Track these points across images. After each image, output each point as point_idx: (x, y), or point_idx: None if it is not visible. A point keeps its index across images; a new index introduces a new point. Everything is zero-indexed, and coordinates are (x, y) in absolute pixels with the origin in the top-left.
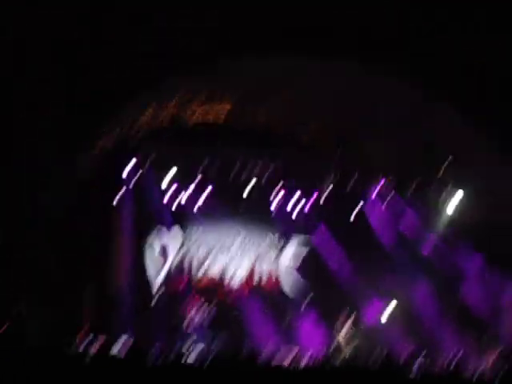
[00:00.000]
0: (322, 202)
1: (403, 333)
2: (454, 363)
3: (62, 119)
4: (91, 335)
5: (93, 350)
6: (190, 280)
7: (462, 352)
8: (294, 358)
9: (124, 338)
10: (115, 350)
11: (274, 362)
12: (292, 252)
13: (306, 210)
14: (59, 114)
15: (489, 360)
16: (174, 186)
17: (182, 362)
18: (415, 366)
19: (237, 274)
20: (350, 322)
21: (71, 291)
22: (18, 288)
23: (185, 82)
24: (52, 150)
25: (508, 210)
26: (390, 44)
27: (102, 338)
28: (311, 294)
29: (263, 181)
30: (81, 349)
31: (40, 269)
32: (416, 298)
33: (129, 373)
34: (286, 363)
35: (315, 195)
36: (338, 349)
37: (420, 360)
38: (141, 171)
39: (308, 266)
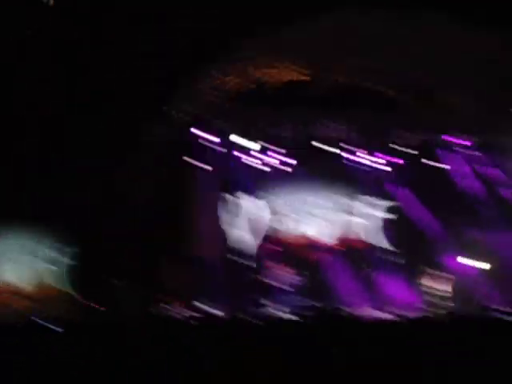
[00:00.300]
0: (404, 162)
1: (495, 289)
2: None
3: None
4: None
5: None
6: (279, 241)
7: None
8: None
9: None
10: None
11: (363, 319)
12: (377, 214)
13: (391, 171)
14: (137, 81)
15: None
16: (256, 150)
17: (273, 321)
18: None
19: (325, 235)
20: (439, 277)
21: (160, 259)
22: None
23: (263, 44)
24: (132, 118)
25: None
26: None
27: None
28: (401, 251)
29: (346, 142)
30: (176, 315)
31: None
32: (506, 253)
33: (226, 333)
34: (374, 320)
35: (397, 157)
36: (429, 304)
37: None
38: (222, 137)
39: (396, 225)
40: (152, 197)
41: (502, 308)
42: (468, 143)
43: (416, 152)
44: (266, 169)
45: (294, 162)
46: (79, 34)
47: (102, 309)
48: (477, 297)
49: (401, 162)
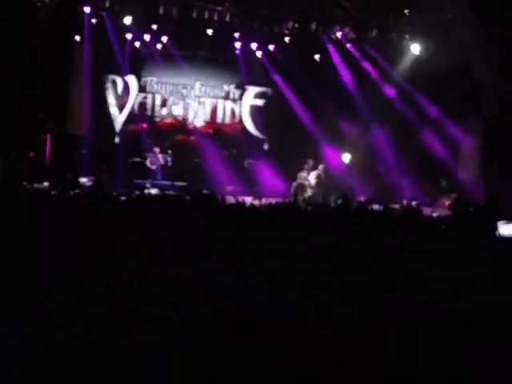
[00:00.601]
0: (280, 50)
1: (361, 180)
2: (410, 207)
3: None
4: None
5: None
6: (151, 119)
7: (418, 199)
8: (254, 201)
9: (88, 177)
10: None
11: (235, 202)
12: (250, 101)
13: (265, 60)
14: None
15: (444, 204)
16: (134, 28)
17: (146, 197)
18: (372, 209)
19: (197, 117)
20: (309, 166)
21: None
22: None
23: None
24: None
25: (463, 58)
26: None
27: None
28: (273, 139)
29: (222, 28)
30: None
31: None
32: (375, 144)
33: (96, 210)
34: (247, 203)
35: (273, 45)
36: (299, 191)
37: (376, 206)
38: (100, 9)
39: (269, 113)
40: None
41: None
42: (345, 37)
43: (292, 39)
44: (140, 48)
45: (167, 41)
46: None
47: None
48: (341, 187)
49: (275, 48)
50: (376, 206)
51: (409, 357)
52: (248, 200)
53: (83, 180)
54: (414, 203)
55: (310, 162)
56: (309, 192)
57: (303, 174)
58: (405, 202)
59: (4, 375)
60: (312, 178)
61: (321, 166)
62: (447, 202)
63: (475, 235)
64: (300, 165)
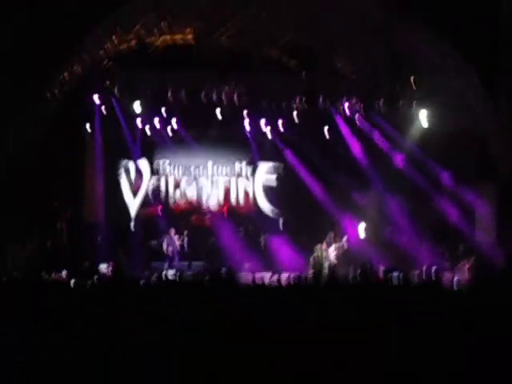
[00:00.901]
0: (289, 126)
1: (379, 249)
2: (429, 275)
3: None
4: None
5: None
6: (166, 202)
7: (437, 264)
8: (273, 276)
9: (105, 264)
10: (97, 276)
11: (253, 281)
12: (262, 178)
13: (275, 135)
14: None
15: (463, 270)
16: (143, 113)
17: (163, 282)
18: (391, 279)
19: (211, 198)
20: (331, 238)
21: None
22: None
23: (149, 4)
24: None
25: (472, 123)
26: None
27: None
28: (287, 214)
29: (230, 107)
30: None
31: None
32: (389, 212)
33: (114, 296)
34: (264, 282)
35: (283, 120)
36: (317, 267)
37: (396, 274)
38: (109, 98)
39: (282, 188)
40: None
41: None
42: (353, 108)
43: (300, 114)
44: (151, 132)
45: (177, 124)
46: None
47: None
48: (359, 258)
49: (284, 123)
50: (395, 274)
51: None
52: (266, 276)
53: (102, 266)
54: (433, 269)
55: (332, 235)
56: (326, 265)
57: (321, 246)
58: (424, 268)
59: None
60: (332, 250)
61: (344, 239)
62: (467, 266)
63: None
64: (315, 238)
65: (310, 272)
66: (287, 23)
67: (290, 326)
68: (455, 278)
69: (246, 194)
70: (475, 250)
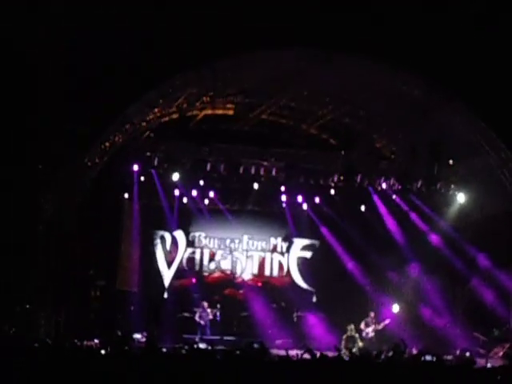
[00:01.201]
0: (326, 202)
1: (413, 329)
2: (463, 358)
3: (68, 117)
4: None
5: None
6: (200, 274)
7: (471, 347)
8: (305, 352)
9: (139, 333)
10: (131, 345)
11: (285, 356)
12: (297, 254)
13: (312, 212)
14: (64, 112)
15: (498, 354)
16: (182, 184)
17: (194, 353)
18: (424, 361)
19: (245, 271)
20: (371, 318)
21: (82, 289)
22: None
23: (189, 81)
24: (60, 149)
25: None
26: (395, 42)
27: (117, 335)
28: (321, 291)
29: (268, 181)
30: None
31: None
32: (426, 295)
33: (146, 365)
34: (296, 357)
35: (319, 198)
36: (349, 344)
37: (429, 357)
38: (149, 167)
39: (317, 265)
40: (79, 228)
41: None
42: (390, 188)
43: (337, 191)
44: (188, 203)
45: (215, 196)
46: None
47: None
48: (395, 338)
49: (321, 200)
50: (428, 358)
51: None
52: (298, 353)
53: (136, 336)
54: (467, 354)
55: (372, 314)
56: (360, 344)
57: (354, 326)
58: (458, 353)
59: None
60: (370, 330)
61: (387, 321)
62: (501, 352)
63: None
64: (349, 316)
65: (342, 352)
66: (327, 102)
67: None
68: (489, 365)
69: (281, 267)
70: (510, 335)
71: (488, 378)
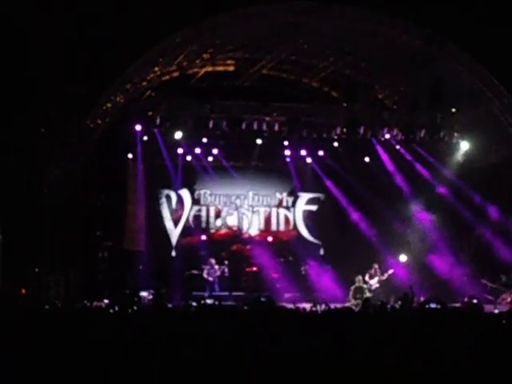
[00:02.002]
0: (330, 155)
1: (421, 279)
2: (471, 305)
3: (69, 80)
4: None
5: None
6: (207, 231)
7: (479, 294)
8: (314, 304)
9: (146, 291)
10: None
11: (294, 307)
12: (303, 208)
13: (316, 165)
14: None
15: (506, 300)
16: (185, 143)
17: (203, 308)
18: (430, 308)
19: (252, 227)
20: (375, 270)
21: (90, 250)
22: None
23: (189, 38)
24: (63, 111)
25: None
26: None
27: (125, 294)
28: (328, 244)
29: (271, 136)
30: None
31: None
32: (432, 244)
33: (156, 321)
34: (305, 308)
35: (323, 151)
36: (357, 295)
37: (434, 305)
38: (151, 127)
39: (323, 218)
40: (84, 190)
41: (425, 298)
42: (394, 139)
43: (341, 144)
44: (192, 161)
45: (218, 153)
46: None
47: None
48: (402, 287)
49: (325, 153)
50: (433, 305)
51: None
52: (306, 307)
53: (143, 294)
54: (474, 301)
55: (376, 267)
56: (368, 294)
57: (361, 277)
58: (466, 300)
59: None
60: (375, 282)
61: (389, 272)
62: (508, 298)
63: None
64: (357, 268)
65: (351, 302)
66: (328, 54)
67: (329, 351)
68: (496, 310)
69: (287, 221)
70: None
71: (495, 324)
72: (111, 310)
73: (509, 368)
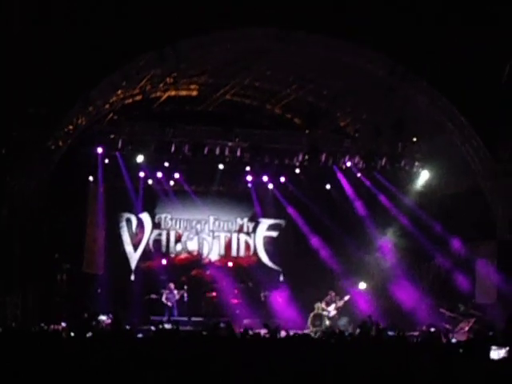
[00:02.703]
0: (292, 182)
1: (380, 306)
2: (428, 333)
3: (30, 101)
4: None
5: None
6: (166, 256)
7: (438, 323)
8: (273, 329)
9: (105, 315)
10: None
11: (252, 333)
12: (264, 234)
13: (277, 192)
14: (26, 96)
15: (464, 329)
16: (147, 166)
17: (161, 334)
18: (389, 336)
19: (212, 252)
20: (331, 297)
21: (48, 272)
22: None
23: (152, 62)
24: (24, 131)
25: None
26: (358, 20)
27: (83, 317)
28: (288, 270)
29: (233, 162)
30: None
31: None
32: (390, 271)
33: (114, 347)
34: (263, 334)
35: (284, 177)
36: (316, 322)
37: (392, 333)
38: (113, 149)
39: (283, 244)
40: (44, 211)
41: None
42: (355, 167)
43: (302, 170)
44: (154, 185)
45: (180, 178)
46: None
47: None
48: (357, 314)
49: (287, 179)
50: (391, 334)
51: None
52: (264, 333)
53: (102, 318)
54: (432, 330)
55: (332, 294)
56: (327, 322)
57: (321, 304)
58: (424, 328)
59: None
60: (332, 308)
61: (345, 298)
62: (466, 327)
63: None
64: (316, 295)
65: (309, 329)
66: (291, 81)
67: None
68: (454, 340)
69: (247, 247)
70: (475, 310)
71: (453, 352)
72: (70, 334)
73: None
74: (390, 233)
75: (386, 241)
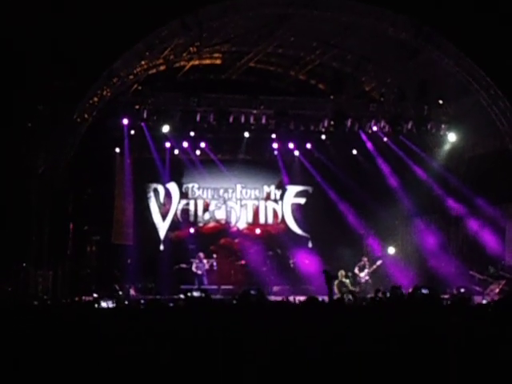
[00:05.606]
0: (318, 148)
1: (409, 270)
2: (458, 295)
3: (55, 74)
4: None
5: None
6: (195, 225)
7: (466, 287)
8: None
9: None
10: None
11: (282, 301)
12: (290, 202)
13: (304, 158)
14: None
15: (494, 291)
16: (173, 136)
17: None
18: (419, 299)
19: (240, 220)
20: (364, 262)
21: (78, 245)
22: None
23: (175, 31)
24: (49, 105)
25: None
26: None
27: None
28: (317, 236)
29: (259, 130)
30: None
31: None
32: (419, 234)
33: (145, 316)
34: (293, 301)
35: (310, 144)
36: (342, 289)
37: (425, 291)
38: (138, 120)
39: (311, 210)
40: (72, 184)
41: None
42: (381, 131)
43: (328, 136)
44: (180, 155)
45: (206, 147)
46: None
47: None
48: (388, 277)
49: (313, 146)
50: (424, 291)
51: None
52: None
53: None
54: (462, 291)
55: (365, 259)
56: (351, 288)
57: (343, 272)
58: (454, 291)
59: None
60: (364, 274)
61: (379, 262)
62: (497, 289)
63: None
64: (344, 261)
65: (336, 296)
66: (315, 47)
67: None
68: (484, 301)
69: (275, 214)
70: (505, 273)
71: (483, 313)
72: (101, 304)
73: (495, 356)
74: (417, 196)
75: (414, 204)
